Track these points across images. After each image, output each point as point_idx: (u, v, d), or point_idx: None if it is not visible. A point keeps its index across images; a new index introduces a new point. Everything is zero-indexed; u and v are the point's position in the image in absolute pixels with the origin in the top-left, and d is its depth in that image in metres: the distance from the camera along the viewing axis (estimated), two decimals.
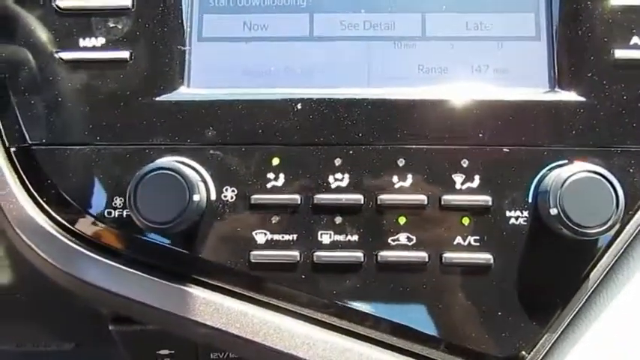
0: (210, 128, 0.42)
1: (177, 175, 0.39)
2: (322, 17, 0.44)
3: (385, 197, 0.41)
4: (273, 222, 0.41)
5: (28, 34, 0.43)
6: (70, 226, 0.42)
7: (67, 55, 0.42)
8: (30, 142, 0.42)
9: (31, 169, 0.43)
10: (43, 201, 0.42)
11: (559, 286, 0.40)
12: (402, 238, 0.41)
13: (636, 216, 0.41)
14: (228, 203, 0.41)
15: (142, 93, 0.42)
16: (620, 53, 0.41)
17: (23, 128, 0.42)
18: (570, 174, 0.38)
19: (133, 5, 0.43)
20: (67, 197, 0.42)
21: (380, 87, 0.43)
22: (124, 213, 0.41)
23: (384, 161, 0.41)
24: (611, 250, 0.41)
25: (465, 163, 0.41)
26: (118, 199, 0.41)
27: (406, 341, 0.41)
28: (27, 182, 0.43)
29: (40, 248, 0.42)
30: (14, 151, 0.43)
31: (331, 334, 0.41)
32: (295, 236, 0.41)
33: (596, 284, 0.41)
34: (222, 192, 0.41)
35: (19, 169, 0.43)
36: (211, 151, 0.41)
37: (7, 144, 0.43)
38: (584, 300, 0.41)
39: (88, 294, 0.43)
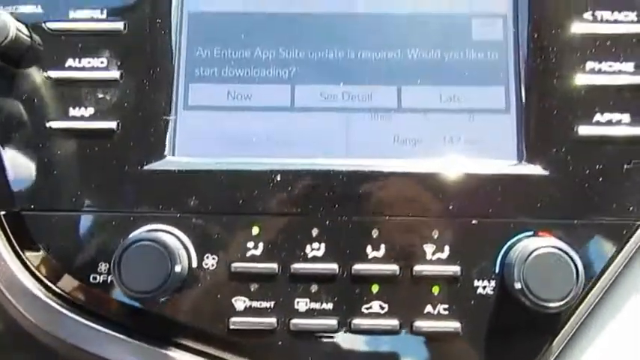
0: (193, 197, 0.44)
1: (159, 247, 0.40)
2: (303, 88, 0.46)
3: (359, 267, 0.42)
4: (252, 289, 0.43)
5: (20, 102, 0.45)
6: (56, 289, 0.44)
7: (56, 124, 0.44)
8: (19, 207, 0.44)
9: (19, 232, 0.44)
10: (31, 264, 0.44)
11: (523, 354, 0.42)
12: (375, 306, 0.43)
13: (596, 286, 0.43)
14: (209, 271, 0.43)
15: (129, 162, 0.44)
16: (583, 130, 0.43)
17: (13, 193, 0.44)
18: (533, 249, 0.40)
19: (121, 77, 0.45)
20: (53, 261, 0.44)
21: (357, 157, 0.45)
22: (109, 278, 0.43)
23: (359, 232, 0.43)
24: (572, 319, 0.43)
25: (435, 234, 0.43)
26: (103, 265, 0.43)
27: None
28: (16, 245, 0.44)
29: (25, 309, 0.44)
30: (4, 215, 0.45)
31: None
32: (273, 303, 0.43)
33: (558, 352, 0.43)
34: (204, 260, 0.43)
35: (8, 232, 0.45)
36: (194, 220, 0.43)
37: None
38: None
39: (71, 354, 0.44)
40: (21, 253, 0.44)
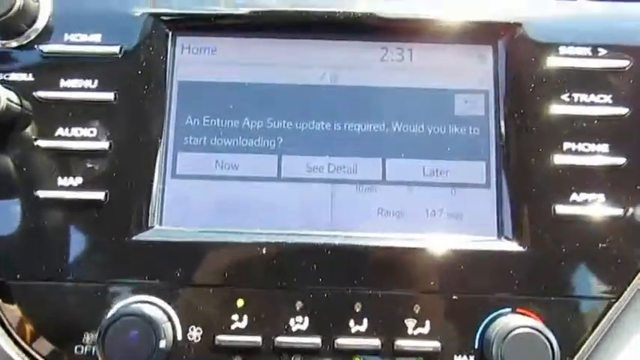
0: (180, 269, 0.44)
1: (144, 322, 0.41)
2: (290, 159, 0.47)
3: (342, 341, 0.43)
4: None
5: (7, 171, 0.45)
6: (39, 358, 0.44)
7: (44, 194, 0.45)
8: (4, 277, 0.44)
9: (5, 302, 0.45)
10: (16, 333, 0.44)
11: None
12: None
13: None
14: (194, 343, 0.43)
15: (116, 233, 0.45)
16: (560, 209, 0.45)
17: None
18: (511, 328, 0.41)
19: (110, 147, 0.46)
20: (39, 331, 0.44)
21: (342, 230, 0.46)
22: (93, 349, 0.43)
23: (342, 305, 0.44)
24: None
25: (416, 308, 0.44)
26: (88, 336, 0.43)
27: None
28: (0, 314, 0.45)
29: None
30: None
31: None
32: None
33: None
34: (188, 332, 0.43)
35: None
36: (180, 291, 0.44)
37: None
38: None
39: None
40: (5, 322, 0.44)
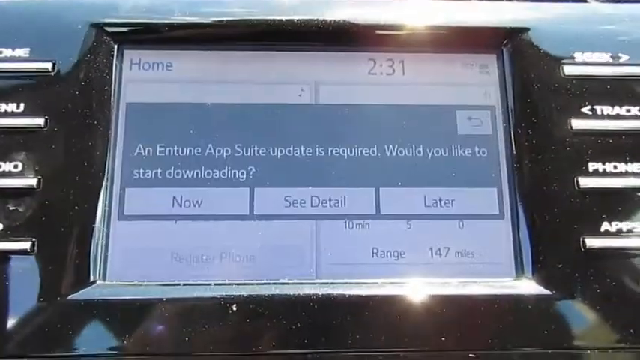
0: (127, 335, 0.35)
1: None
2: (264, 192, 0.39)
3: None
4: None
5: None
6: None
7: None
8: None
9: None
10: None
11: None
12: None
13: None
14: None
15: (48, 292, 0.35)
16: (590, 242, 0.38)
17: None
18: None
19: (38, 185, 0.37)
20: None
21: (329, 278, 0.37)
22: None
23: None
24: None
25: None
26: None
27: None
28: None
29: None
30: None
31: None
32: None
33: None
34: None
35: None
36: None
37: None
38: None
39: None
40: None
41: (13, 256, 0.36)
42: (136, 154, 0.39)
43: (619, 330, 0.37)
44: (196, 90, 0.41)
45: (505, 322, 0.37)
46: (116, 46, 0.41)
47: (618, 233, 0.38)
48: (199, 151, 0.40)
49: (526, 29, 0.42)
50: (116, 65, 0.40)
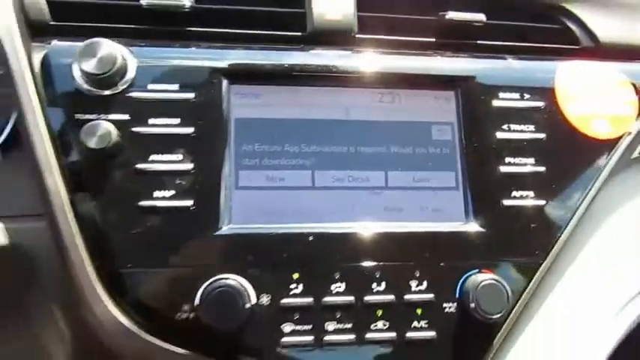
0: (250, 255, 0.61)
1: (233, 292, 0.58)
2: (321, 173, 0.66)
3: (368, 298, 0.62)
4: (295, 317, 0.61)
5: (114, 187, 0.60)
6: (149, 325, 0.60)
7: (144, 203, 0.60)
8: (118, 266, 0.59)
9: (118, 286, 0.59)
10: (129, 309, 0.59)
11: (475, 349, 0.64)
12: (380, 324, 0.62)
13: (517, 304, 0.66)
14: (265, 306, 0.60)
15: (202, 230, 0.61)
16: (505, 202, 0.67)
17: (113, 253, 0.59)
18: (480, 281, 0.62)
19: (193, 168, 0.62)
20: (147, 306, 0.59)
21: (360, 222, 0.65)
22: (191, 316, 0.59)
23: (367, 274, 0.63)
24: (504, 325, 0.65)
25: (417, 273, 0.64)
26: (186, 306, 0.59)
27: None
28: (115, 296, 0.59)
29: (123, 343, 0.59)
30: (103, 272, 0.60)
31: None
32: (310, 326, 0.61)
33: (495, 348, 0.65)
34: (260, 298, 0.60)
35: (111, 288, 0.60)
36: (251, 271, 0.61)
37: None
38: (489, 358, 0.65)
39: None
40: (121, 302, 0.59)
41: (180, 209, 0.61)
42: (243, 149, 0.65)
43: (520, 250, 0.66)
44: (276, 111, 0.67)
45: (460, 247, 0.65)
46: (227, 83, 0.66)
47: (520, 198, 0.67)
48: (280, 147, 0.66)
49: (472, 77, 0.70)
50: (226, 95, 0.65)
